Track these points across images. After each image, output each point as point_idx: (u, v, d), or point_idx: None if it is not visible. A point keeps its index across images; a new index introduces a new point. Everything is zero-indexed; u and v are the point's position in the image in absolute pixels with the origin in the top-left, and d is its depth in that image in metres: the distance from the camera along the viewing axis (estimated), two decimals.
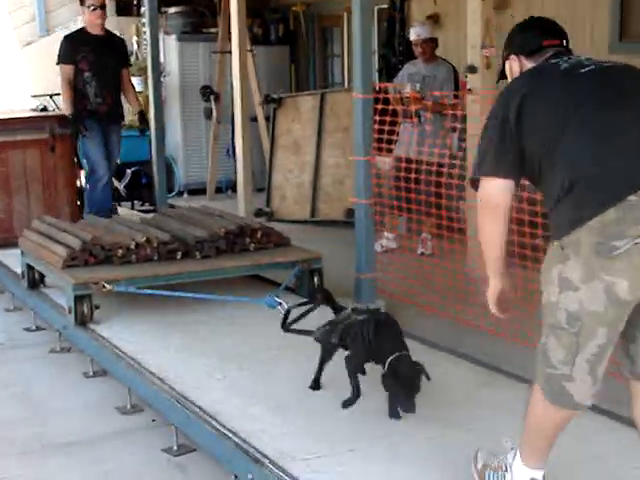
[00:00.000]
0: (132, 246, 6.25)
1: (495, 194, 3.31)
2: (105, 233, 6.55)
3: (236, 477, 4.03)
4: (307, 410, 4.49)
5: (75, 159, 9.07)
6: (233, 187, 11.26)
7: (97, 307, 5.90)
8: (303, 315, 5.02)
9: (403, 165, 7.40)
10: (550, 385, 3.19)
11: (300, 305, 5.15)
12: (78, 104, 8.64)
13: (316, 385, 4.65)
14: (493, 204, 3.32)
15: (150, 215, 8.22)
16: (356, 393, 4.36)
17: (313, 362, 4.66)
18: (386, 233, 8.41)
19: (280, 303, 5.21)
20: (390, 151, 7.67)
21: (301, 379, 4.76)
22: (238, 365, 5.13)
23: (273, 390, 4.77)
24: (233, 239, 6.51)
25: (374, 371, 4.33)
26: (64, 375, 5.70)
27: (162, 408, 4.77)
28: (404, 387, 4.06)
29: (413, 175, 7.16)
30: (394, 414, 4.20)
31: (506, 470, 3.44)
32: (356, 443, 4.09)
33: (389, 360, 4.09)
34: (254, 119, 11.22)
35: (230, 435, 4.17)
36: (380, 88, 8.20)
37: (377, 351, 4.21)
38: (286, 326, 4.98)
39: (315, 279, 6.45)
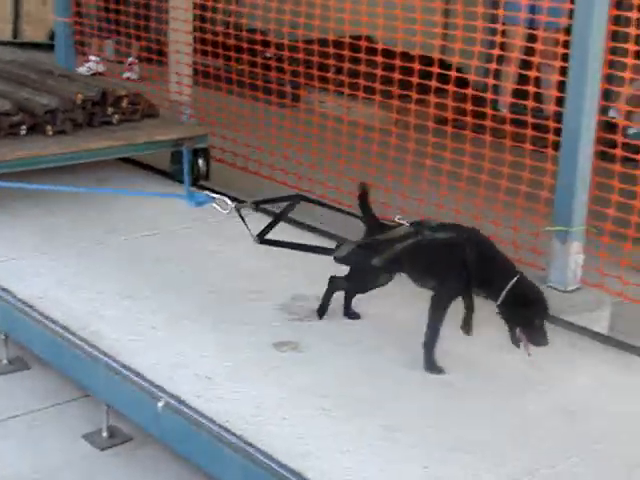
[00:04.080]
0: None
1: None
2: None
3: None
4: None
5: None
6: None
7: None
8: (277, 219, 3.66)
9: None
10: None
11: (258, 204, 3.81)
12: None
13: (324, 311, 3.68)
14: None
15: None
16: (435, 336, 3.32)
17: None
18: (92, 56, 8.23)
19: (214, 198, 3.67)
20: None
21: None
22: None
23: None
24: (91, 108, 5.16)
25: None
26: None
27: None
28: (533, 316, 3.19)
29: None
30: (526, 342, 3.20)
31: None
32: None
33: (509, 286, 3.18)
34: None
35: None
36: None
37: (484, 278, 3.25)
38: (260, 236, 3.52)
39: (200, 162, 5.35)
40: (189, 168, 4.73)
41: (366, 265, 3.42)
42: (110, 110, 5.21)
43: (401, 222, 3.43)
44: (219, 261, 4.03)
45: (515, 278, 3.20)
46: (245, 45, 5.98)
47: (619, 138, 4.10)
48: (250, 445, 2.78)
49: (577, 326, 3.79)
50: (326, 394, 3.10)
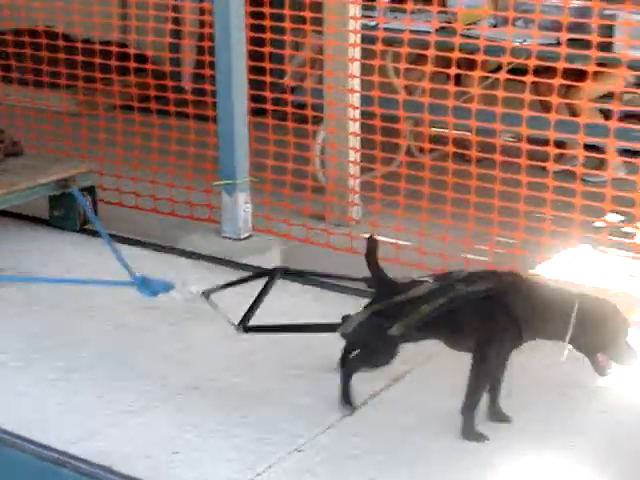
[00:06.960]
0: None
1: None
2: None
3: None
4: None
5: None
6: None
7: None
8: (258, 300, 3.17)
9: None
10: None
11: (227, 286, 3.30)
12: None
13: (349, 400, 2.99)
14: None
15: None
16: (477, 402, 2.91)
17: None
18: None
19: (172, 286, 3.13)
20: None
21: None
22: None
23: None
24: None
25: None
26: None
27: None
28: (615, 334, 2.81)
29: None
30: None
31: None
32: None
33: (574, 316, 2.78)
34: None
35: None
36: None
37: (543, 324, 2.86)
38: (243, 323, 3.10)
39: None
40: (99, 225, 3.82)
41: (381, 337, 2.88)
42: None
43: (423, 279, 2.95)
44: None
45: (576, 304, 2.80)
46: None
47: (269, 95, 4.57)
48: None
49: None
50: (5, 351, 3.34)
